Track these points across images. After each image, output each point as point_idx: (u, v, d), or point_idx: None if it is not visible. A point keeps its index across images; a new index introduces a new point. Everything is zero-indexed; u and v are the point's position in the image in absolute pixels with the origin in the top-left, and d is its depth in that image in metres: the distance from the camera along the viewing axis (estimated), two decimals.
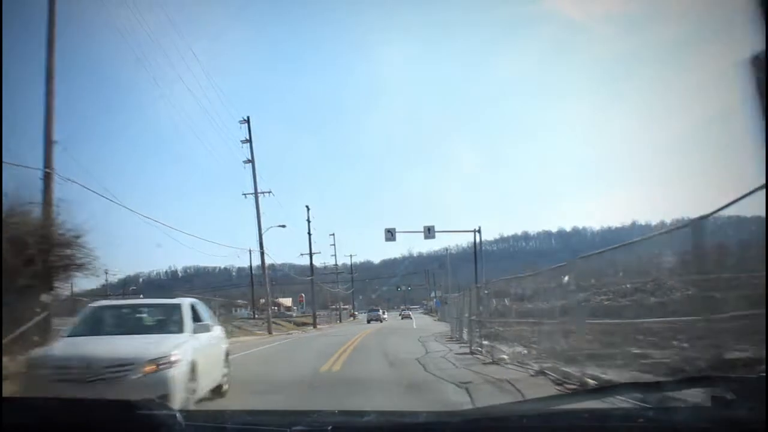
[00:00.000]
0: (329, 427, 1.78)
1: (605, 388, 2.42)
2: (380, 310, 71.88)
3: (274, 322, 49.74)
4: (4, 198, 12.85)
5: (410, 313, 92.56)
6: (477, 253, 35.56)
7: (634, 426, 1.68)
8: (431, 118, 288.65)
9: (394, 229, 32.74)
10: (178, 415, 1.83)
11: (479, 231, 34.29)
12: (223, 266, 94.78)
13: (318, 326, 54.86)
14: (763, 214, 5.08)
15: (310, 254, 58.33)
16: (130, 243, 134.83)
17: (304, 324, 56.37)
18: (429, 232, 32.10)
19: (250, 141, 39.77)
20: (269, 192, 41.51)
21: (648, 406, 1.84)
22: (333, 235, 75.84)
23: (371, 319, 64.78)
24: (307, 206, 57.41)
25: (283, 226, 42.38)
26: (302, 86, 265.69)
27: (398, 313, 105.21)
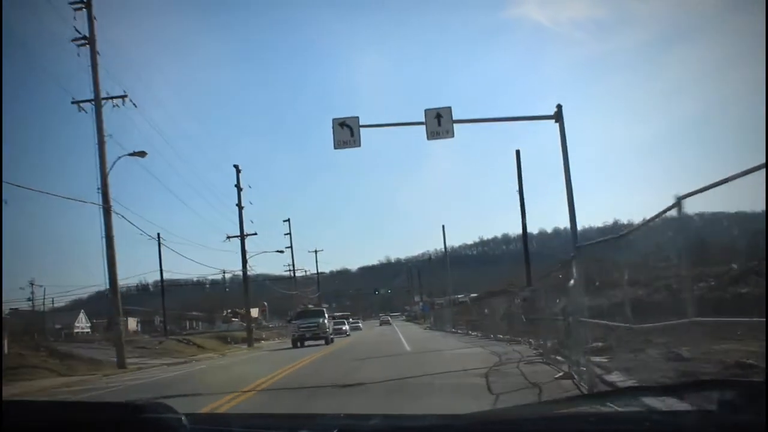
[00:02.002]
0: (335, 431, 1.77)
1: (611, 392, 2.45)
2: (324, 317, 33.70)
3: (188, 341, 36.89)
4: None
5: (389, 318, 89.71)
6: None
7: (640, 430, 1.69)
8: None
9: (357, 118, 16.52)
10: (183, 418, 1.81)
11: (560, 116, 16.51)
12: (195, 279, 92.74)
13: (264, 341, 40.79)
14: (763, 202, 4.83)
15: (242, 236, 40.31)
16: (97, 257, 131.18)
17: (244, 340, 39.53)
18: (439, 124, 16.03)
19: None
20: (124, 96, 23.26)
21: (654, 409, 1.86)
22: (288, 221, 59.52)
23: (301, 339, 31.64)
24: (235, 166, 41.09)
25: (143, 154, 24.47)
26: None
27: (353, 323, 63.56)
